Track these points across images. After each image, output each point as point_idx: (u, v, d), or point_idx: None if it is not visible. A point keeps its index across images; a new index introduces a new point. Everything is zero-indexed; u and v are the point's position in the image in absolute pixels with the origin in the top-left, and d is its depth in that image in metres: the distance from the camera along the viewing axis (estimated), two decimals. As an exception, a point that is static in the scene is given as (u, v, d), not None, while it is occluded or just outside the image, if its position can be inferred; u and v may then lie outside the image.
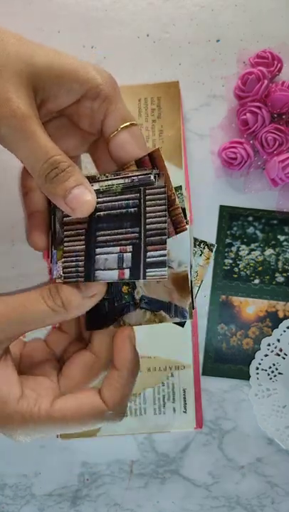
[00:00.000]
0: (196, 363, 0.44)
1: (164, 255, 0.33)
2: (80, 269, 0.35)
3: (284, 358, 0.44)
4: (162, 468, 0.45)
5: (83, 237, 0.35)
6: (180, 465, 0.45)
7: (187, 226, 0.33)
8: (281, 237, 0.45)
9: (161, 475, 0.45)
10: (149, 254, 0.34)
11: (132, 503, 0.45)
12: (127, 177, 0.34)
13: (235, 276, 0.45)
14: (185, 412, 0.43)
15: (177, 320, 0.34)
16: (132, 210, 0.34)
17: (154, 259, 0.34)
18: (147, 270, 0.34)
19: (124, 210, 0.35)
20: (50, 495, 0.45)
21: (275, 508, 0.45)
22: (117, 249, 0.35)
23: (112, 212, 0.35)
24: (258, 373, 0.44)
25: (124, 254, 0.34)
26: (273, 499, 0.45)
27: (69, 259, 0.36)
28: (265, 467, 0.45)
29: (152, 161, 0.34)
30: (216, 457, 0.45)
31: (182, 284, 0.33)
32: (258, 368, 0.44)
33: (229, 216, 0.45)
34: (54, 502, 0.45)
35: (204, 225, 0.45)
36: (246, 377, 0.45)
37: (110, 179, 0.34)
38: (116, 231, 0.35)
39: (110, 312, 0.35)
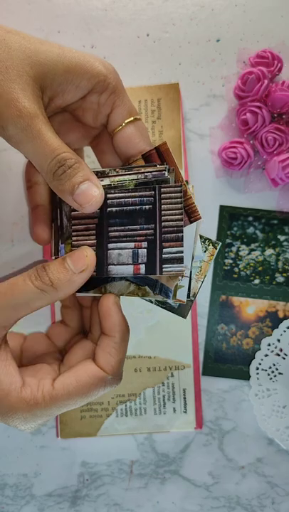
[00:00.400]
0: (196, 363, 0.44)
1: (181, 252, 0.34)
2: None
3: (284, 358, 0.44)
4: (162, 468, 0.45)
5: (94, 231, 0.35)
6: (180, 465, 0.45)
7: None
8: (281, 237, 0.45)
9: (161, 475, 0.45)
10: (165, 250, 0.34)
11: (131, 504, 0.45)
12: (140, 173, 0.34)
13: (236, 276, 0.45)
14: (185, 412, 0.43)
15: (160, 298, 0.34)
16: (147, 207, 0.34)
17: (171, 255, 0.34)
18: (164, 266, 0.34)
19: (137, 207, 0.35)
20: (50, 495, 0.45)
21: (275, 509, 0.45)
22: (132, 244, 0.35)
23: (125, 209, 0.35)
24: (258, 373, 0.44)
25: (140, 250, 0.34)
26: (273, 499, 0.45)
27: None
28: (265, 467, 0.45)
29: (160, 155, 0.34)
30: (216, 457, 0.45)
31: None
32: (258, 368, 0.44)
33: (229, 216, 0.45)
34: (54, 502, 0.45)
35: (205, 224, 0.45)
36: (246, 377, 0.45)
37: (122, 174, 0.34)
38: (129, 227, 0.35)
39: (94, 279, 0.34)
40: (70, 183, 0.31)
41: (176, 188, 0.33)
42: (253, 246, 0.45)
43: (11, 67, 0.29)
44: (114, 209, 0.35)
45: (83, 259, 0.32)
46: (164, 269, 0.34)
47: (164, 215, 0.34)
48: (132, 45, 0.46)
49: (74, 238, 0.35)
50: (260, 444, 0.45)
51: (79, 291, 0.34)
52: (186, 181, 0.35)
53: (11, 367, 0.32)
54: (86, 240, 0.35)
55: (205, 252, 0.36)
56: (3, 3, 0.46)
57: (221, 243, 0.43)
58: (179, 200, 0.34)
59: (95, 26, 0.46)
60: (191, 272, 0.34)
